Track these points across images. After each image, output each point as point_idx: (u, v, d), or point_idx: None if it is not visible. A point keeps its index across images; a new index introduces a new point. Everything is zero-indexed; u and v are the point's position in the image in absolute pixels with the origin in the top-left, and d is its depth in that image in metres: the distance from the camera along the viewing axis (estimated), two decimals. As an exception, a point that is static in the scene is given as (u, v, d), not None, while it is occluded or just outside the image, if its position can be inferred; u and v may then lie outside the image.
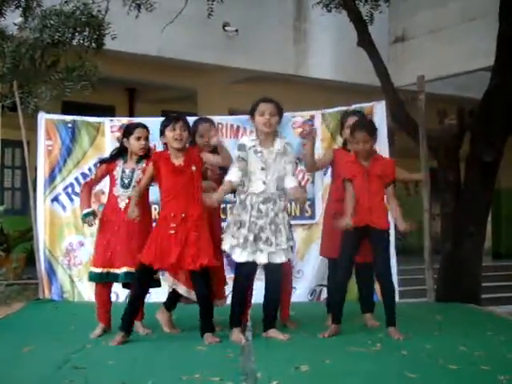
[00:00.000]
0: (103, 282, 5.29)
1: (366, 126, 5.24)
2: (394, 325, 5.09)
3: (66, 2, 7.40)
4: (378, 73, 8.32)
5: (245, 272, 4.95)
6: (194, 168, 4.97)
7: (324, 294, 7.23)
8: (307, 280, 7.21)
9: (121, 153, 5.47)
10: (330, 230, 5.54)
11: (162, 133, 5.08)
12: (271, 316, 5.08)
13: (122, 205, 5.33)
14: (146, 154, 5.38)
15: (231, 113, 10.41)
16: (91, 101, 8.03)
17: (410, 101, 8.17)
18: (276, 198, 4.92)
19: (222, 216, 6.98)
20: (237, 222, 4.89)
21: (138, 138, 5.36)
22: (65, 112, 9.20)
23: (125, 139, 5.43)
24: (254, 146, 4.92)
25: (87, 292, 7.23)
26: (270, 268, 4.97)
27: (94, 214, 5.40)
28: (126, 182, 5.35)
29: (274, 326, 5.07)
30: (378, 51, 8.35)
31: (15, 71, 7.13)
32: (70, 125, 7.49)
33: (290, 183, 4.96)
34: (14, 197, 12.46)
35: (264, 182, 4.90)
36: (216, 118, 7.39)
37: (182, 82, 11.61)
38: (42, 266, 7.25)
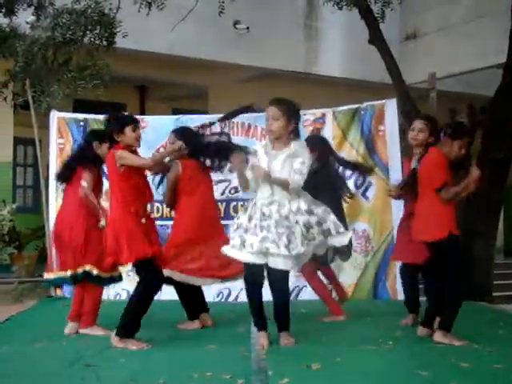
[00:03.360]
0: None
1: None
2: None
3: (77, 1, 7.43)
4: (389, 70, 8.30)
5: (251, 276, 4.71)
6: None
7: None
8: (319, 278, 7.20)
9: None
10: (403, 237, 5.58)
11: (119, 130, 4.93)
12: (280, 319, 4.79)
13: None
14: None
15: (242, 111, 10.41)
16: (102, 99, 8.03)
17: (421, 98, 8.15)
18: (284, 200, 4.63)
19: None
20: (237, 224, 4.73)
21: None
22: (76, 110, 9.23)
23: (95, 143, 5.37)
24: (266, 147, 4.76)
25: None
26: (271, 273, 4.69)
27: None
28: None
29: (288, 329, 4.78)
30: (389, 48, 8.33)
31: (27, 70, 7.16)
32: (81, 123, 7.51)
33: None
34: (26, 195, 12.49)
35: (271, 186, 4.66)
36: (227, 116, 7.41)
37: (193, 79, 11.61)
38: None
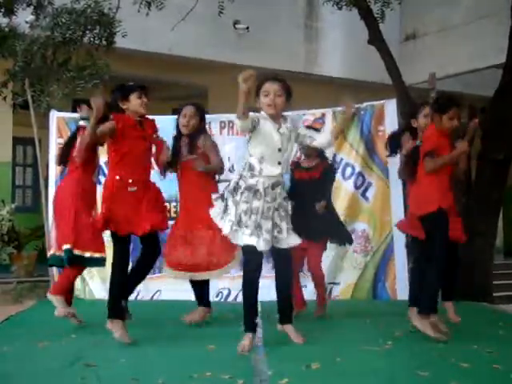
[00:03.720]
0: None
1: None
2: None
3: (77, 0, 7.42)
4: (388, 71, 8.30)
5: (254, 261, 4.60)
6: (154, 136, 5.12)
7: (334, 292, 7.23)
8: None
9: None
10: None
11: (123, 98, 4.99)
12: (286, 306, 4.77)
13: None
14: None
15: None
16: (102, 98, 8.03)
17: (421, 98, 8.13)
18: (283, 180, 4.72)
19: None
20: (247, 210, 4.55)
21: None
22: (75, 110, 9.21)
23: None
24: (266, 119, 4.62)
25: (98, 290, 7.26)
26: (278, 254, 4.69)
27: None
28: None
29: (291, 321, 4.77)
30: (388, 49, 8.33)
31: (27, 69, 7.16)
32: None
33: (327, 136, 4.85)
34: (25, 194, 12.49)
35: (279, 163, 4.62)
36: (226, 116, 7.42)
37: (193, 79, 11.60)
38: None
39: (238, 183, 4.63)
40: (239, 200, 4.59)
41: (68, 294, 5.58)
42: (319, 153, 6.02)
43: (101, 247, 5.42)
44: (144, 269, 5.20)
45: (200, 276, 5.48)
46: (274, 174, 4.60)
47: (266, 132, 4.58)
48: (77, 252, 5.35)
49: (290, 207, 4.76)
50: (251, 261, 4.63)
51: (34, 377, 3.98)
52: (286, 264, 4.75)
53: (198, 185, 5.51)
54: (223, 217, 4.65)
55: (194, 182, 5.53)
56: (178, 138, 5.68)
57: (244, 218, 4.56)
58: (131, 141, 4.91)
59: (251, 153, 4.64)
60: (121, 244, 4.91)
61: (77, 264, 5.44)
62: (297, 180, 6.08)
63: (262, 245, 4.54)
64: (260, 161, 4.58)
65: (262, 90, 4.64)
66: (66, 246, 5.36)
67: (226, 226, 4.64)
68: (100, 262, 5.50)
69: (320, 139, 4.82)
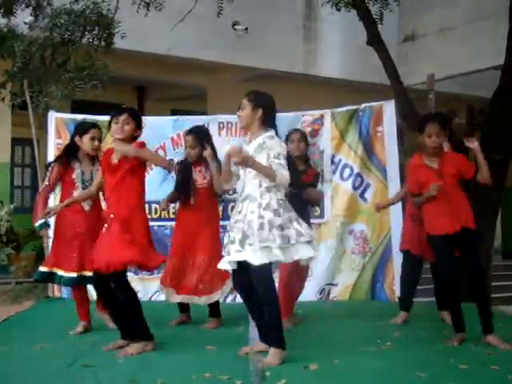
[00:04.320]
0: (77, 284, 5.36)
1: (439, 118, 5.05)
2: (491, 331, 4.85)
3: (75, 1, 7.42)
4: (387, 72, 8.30)
5: (236, 281, 4.62)
6: (127, 166, 4.64)
7: (332, 293, 7.24)
8: (316, 279, 7.18)
9: (73, 153, 5.42)
10: (410, 228, 5.82)
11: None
12: (268, 327, 4.33)
13: (87, 208, 5.36)
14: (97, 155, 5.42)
15: (241, 111, 10.40)
16: (100, 99, 8.02)
17: (420, 99, 8.14)
18: (255, 194, 4.32)
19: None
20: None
21: (92, 139, 5.34)
22: (74, 110, 9.22)
23: (77, 137, 5.40)
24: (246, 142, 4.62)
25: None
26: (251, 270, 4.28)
27: (47, 224, 5.37)
28: (87, 184, 5.34)
29: (274, 344, 4.23)
30: (387, 50, 8.32)
31: (25, 70, 7.15)
32: (80, 124, 7.50)
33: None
34: (24, 195, 12.49)
35: (243, 181, 4.47)
36: (225, 117, 7.42)
37: (192, 80, 11.60)
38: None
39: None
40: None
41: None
42: (305, 160, 5.90)
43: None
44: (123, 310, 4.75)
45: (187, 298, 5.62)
46: (239, 191, 4.50)
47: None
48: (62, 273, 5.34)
49: (263, 221, 4.25)
50: (233, 282, 4.71)
51: (33, 377, 3.98)
52: (257, 284, 4.27)
53: (209, 210, 5.71)
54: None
55: (206, 208, 5.67)
56: (186, 167, 5.73)
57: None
58: (104, 175, 4.82)
59: None
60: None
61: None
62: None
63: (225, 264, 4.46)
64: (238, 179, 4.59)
65: None
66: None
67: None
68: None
69: (281, 178, 4.28)
